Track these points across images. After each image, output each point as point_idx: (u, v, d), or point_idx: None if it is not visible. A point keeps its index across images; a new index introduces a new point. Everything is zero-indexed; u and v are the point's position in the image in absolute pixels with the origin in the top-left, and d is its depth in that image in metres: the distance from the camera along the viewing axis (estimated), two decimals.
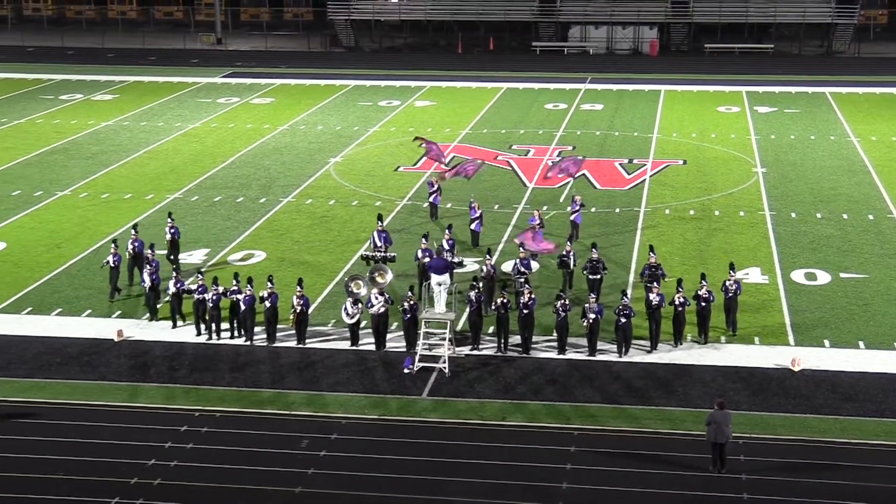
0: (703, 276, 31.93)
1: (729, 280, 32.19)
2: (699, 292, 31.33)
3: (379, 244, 36.21)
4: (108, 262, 35.14)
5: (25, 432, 26.90)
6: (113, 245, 35.66)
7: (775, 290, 35.94)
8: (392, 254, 35.36)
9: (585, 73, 78.26)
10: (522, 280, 32.36)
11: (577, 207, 40.40)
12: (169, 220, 38.15)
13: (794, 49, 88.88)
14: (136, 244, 36.08)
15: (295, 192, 47.71)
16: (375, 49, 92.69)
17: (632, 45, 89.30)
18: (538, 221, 38.50)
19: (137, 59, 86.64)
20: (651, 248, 34.83)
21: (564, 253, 35.00)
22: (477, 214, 39.94)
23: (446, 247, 34.84)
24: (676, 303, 31.09)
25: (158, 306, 33.56)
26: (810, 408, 28.06)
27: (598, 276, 34.10)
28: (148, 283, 33.15)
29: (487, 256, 34.40)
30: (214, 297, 32.08)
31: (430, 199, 43.41)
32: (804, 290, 35.96)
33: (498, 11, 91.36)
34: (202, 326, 32.44)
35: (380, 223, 37.10)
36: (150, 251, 34.42)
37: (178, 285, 32.73)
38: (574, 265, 35.15)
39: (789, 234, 41.62)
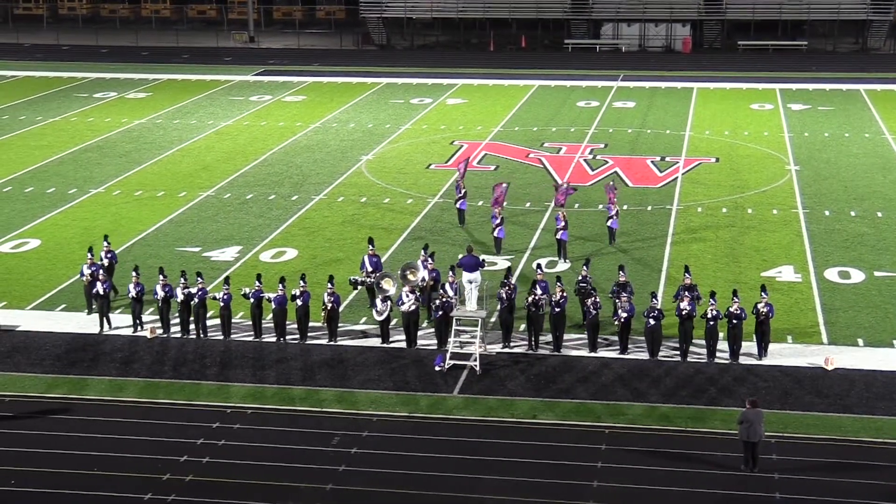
0: (734, 293, 30.63)
1: (761, 302, 30.55)
2: (731, 309, 30.09)
3: (370, 269, 34.11)
4: (97, 292, 33.05)
5: (59, 428, 27.09)
6: (102, 272, 33.69)
7: (808, 289, 35.71)
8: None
9: (618, 71, 78.03)
10: (543, 302, 31.49)
11: (613, 214, 39.52)
12: (105, 243, 36.15)
13: (828, 46, 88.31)
14: (94, 269, 33.73)
15: (327, 189, 47.82)
16: (407, 47, 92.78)
17: (664, 43, 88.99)
18: (563, 224, 37.90)
19: (171, 57, 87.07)
20: (686, 269, 32.80)
21: (580, 277, 32.68)
22: (498, 220, 38.86)
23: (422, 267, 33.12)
24: (709, 315, 30.17)
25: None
26: (844, 407, 27.86)
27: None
28: (161, 294, 32.40)
29: (505, 280, 32.12)
30: (226, 297, 32.11)
31: (458, 205, 42.65)
32: (838, 289, 35.72)
33: (530, 9, 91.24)
34: (191, 327, 32.47)
35: (371, 247, 34.86)
36: (134, 273, 32.94)
37: (185, 291, 32.13)
38: (594, 291, 32.44)
39: (823, 232, 41.36)
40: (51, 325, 33.39)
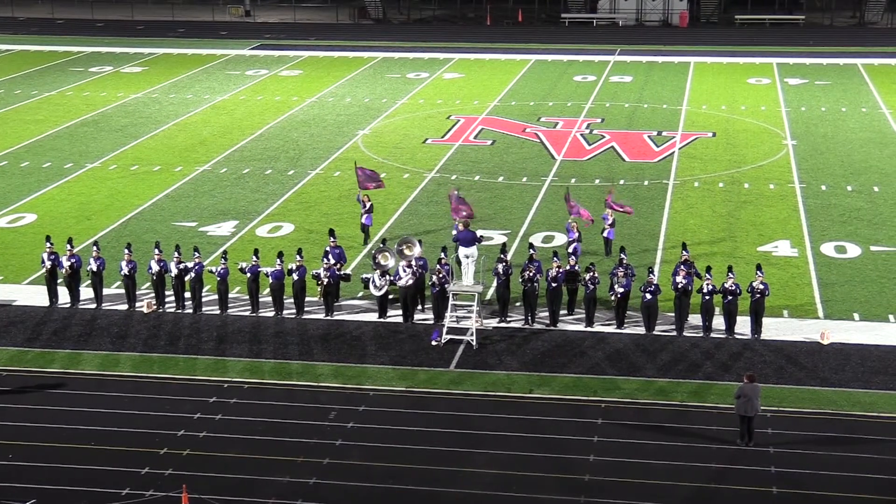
0: (729, 269, 30.69)
1: (756, 281, 30.26)
2: (725, 285, 30.07)
3: (332, 262, 32.48)
4: (91, 269, 32.56)
5: (56, 403, 27.12)
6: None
7: (805, 264, 35.74)
8: (346, 272, 33.40)
9: (615, 45, 77.85)
10: (538, 278, 31.14)
11: (609, 223, 36.26)
12: (49, 244, 33.41)
13: (825, 20, 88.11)
14: (73, 259, 32.76)
15: (323, 164, 47.76)
16: (404, 21, 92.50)
17: (661, 17, 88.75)
18: (576, 235, 34.84)
19: (166, 31, 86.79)
20: (683, 246, 32.62)
21: (569, 266, 31.79)
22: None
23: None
24: (704, 290, 30.17)
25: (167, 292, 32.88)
26: (839, 381, 27.91)
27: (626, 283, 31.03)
28: (155, 268, 32.30)
29: (501, 255, 32.11)
30: (222, 271, 32.09)
31: (363, 220, 37.91)
32: (834, 264, 35.75)
33: None
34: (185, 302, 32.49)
35: (332, 239, 33.37)
36: (126, 251, 32.60)
37: (181, 266, 32.06)
38: (580, 281, 31.66)
39: (819, 206, 41.35)
40: (47, 299, 33.30)
